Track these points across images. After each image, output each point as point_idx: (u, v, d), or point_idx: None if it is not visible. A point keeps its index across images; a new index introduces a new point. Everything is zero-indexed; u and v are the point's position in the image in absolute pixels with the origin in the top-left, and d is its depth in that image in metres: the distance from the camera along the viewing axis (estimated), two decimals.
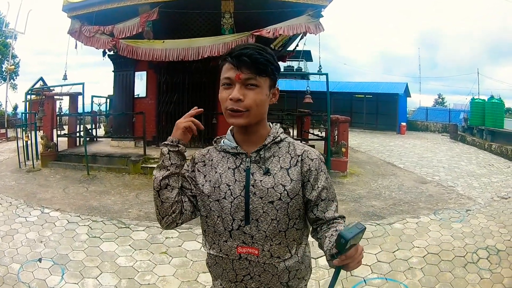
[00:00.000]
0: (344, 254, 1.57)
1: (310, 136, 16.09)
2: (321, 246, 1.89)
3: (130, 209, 8.46)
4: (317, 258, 5.52)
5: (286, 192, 1.84)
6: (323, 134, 14.46)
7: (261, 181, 1.85)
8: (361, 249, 1.62)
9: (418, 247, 6.48)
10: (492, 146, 19.41)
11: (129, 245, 6.45)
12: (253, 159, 1.90)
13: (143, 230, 7.09)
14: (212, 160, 2.00)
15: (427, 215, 8.17)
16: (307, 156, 1.92)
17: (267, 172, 1.86)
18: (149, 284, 5.21)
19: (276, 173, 1.87)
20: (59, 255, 5.99)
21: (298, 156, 1.92)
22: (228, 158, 1.94)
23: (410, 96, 36.65)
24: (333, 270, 1.71)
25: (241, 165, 1.90)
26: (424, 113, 36.47)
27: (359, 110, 32.44)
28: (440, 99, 71.02)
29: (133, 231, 7.08)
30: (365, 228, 1.60)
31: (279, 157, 1.91)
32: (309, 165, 1.91)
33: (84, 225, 7.33)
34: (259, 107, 1.83)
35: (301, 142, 2.19)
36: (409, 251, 6.31)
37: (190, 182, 2.01)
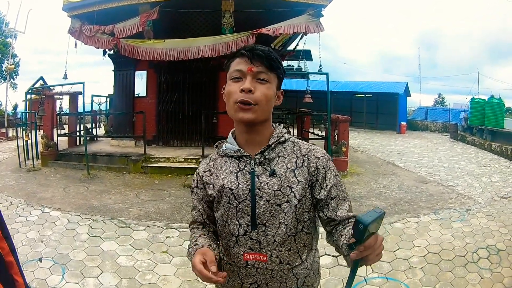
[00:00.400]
0: (362, 244, 1.41)
1: (311, 136, 16.08)
2: (338, 248, 1.77)
3: (131, 208, 8.46)
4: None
5: (293, 194, 1.77)
6: (323, 133, 14.46)
7: (267, 183, 1.78)
8: (381, 238, 1.47)
9: (418, 246, 6.48)
10: (492, 146, 19.40)
11: (130, 244, 6.46)
12: (258, 161, 1.83)
13: (144, 230, 7.10)
14: (216, 167, 1.94)
15: (427, 215, 8.17)
16: (313, 155, 1.86)
17: (273, 174, 1.79)
18: (150, 283, 5.21)
19: (282, 174, 1.79)
20: (59, 254, 5.99)
21: (304, 155, 1.85)
22: (231, 162, 1.88)
23: (410, 96, 36.70)
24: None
25: (245, 168, 1.83)
26: (424, 113, 36.45)
27: (359, 109, 32.42)
28: (440, 99, 71.02)
29: (133, 230, 7.09)
30: (384, 212, 1.45)
31: (285, 158, 1.84)
32: (316, 163, 1.83)
33: (85, 225, 7.33)
34: (268, 102, 1.79)
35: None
36: (409, 250, 6.32)
37: (209, 210, 2.00)
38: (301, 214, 1.80)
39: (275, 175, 1.79)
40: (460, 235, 7.02)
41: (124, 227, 7.25)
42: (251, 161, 1.83)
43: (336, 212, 1.81)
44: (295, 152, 1.87)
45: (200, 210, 2.02)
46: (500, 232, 7.21)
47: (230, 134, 1.97)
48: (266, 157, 1.83)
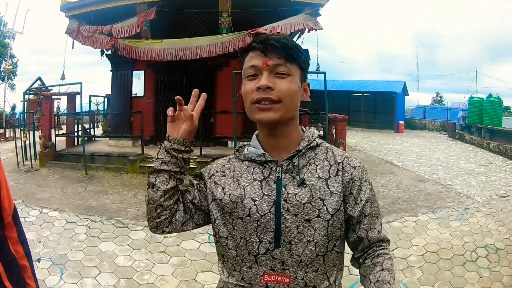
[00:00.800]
0: None
1: None
2: (363, 283, 1.60)
3: (129, 208, 8.45)
4: None
5: (325, 207, 1.52)
6: (321, 132, 14.45)
7: (295, 194, 1.51)
8: None
9: (416, 245, 6.49)
10: (490, 145, 19.42)
11: (128, 244, 6.45)
12: (285, 168, 1.56)
13: (142, 230, 7.08)
14: (234, 170, 1.65)
15: (425, 214, 8.18)
16: (349, 164, 1.61)
17: (302, 183, 1.53)
18: (147, 283, 5.21)
19: (313, 184, 1.54)
20: (57, 255, 5.99)
21: (339, 163, 1.60)
22: (254, 168, 1.61)
23: (408, 95, 36.73)
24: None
25: (270, 176, 1.56)
26: (422, 112, 36.55)
27: (357, 108, 32.54)
28: (438, 98, 71.05)
29: (131, 230, 7.08)
30: None
31: (316, 165, 1.59)
32: (351, 174, 1.59)
33: (83, 225, 7.32)
34: (292, 99, 1.53)
35: None
36: (407, 249, 6.32)
37: (197, 193, 1.68)
38: (333, 232, 1.55)
39: (304, 185, 1.53)
40: (458, 234, 7.03)
41: (122, 227, 7.24)
42: (278, 168, 1.57)
43: (367, 232, 1.61)
44: (328, 159, 1.62)
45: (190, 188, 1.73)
46: (499, 231, 7.22)
47: (254, 136, 1.70)
48: (295, 163, 1.57)
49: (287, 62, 1.52)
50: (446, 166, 14.34)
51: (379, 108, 32.44)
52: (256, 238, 1.52)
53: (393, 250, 6.25)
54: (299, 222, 1.50)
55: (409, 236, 6.89)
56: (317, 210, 1.50)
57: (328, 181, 1.55)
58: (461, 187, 10.82)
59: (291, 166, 1.56)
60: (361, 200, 1.59)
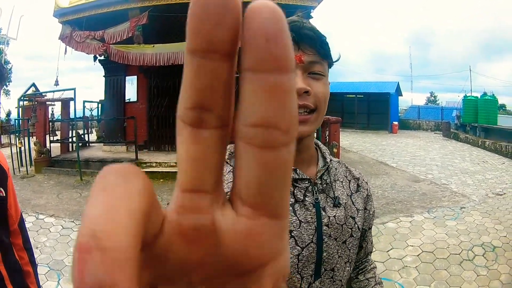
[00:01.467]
0: None
1: None
2: None
3: None
4: None
5: (356, 225, 1.38)
6: (314, 135, 14.46)
7: (334, 216, 1.31)
8: None
9: (412, 246, 6.49)
10: (485, 143, 19.45)
11: None
12: (319, 186, 1.33)
13: None
14: None
15: (420, 214, 8.18)
16: (363, 180, 1.52)
17: (338, 203, 1.34)
18: None
19: (345, 202, 1.37)
20: (54, 260, 5.98)
21: (356, 179, 1.50)
22: None
23: (401, 95, 36.80)
24: None
25: (306, 198, 1.28)
26: (416, 112, 36.64)
27: (350, 110, 32.53)
28: (432, 97, 71.35)
29: None
30: None
31: (341, 181, 1.42)
32: (367, 190, 1.51)
33: (78, 231, 7.31)
34: (326, 105, 1.27)
35: None
36: (403, 250, 6.32)
37: None
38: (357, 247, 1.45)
39: (339, 205, 1.34)
40: (454, 233, 7.03)
41: None
42: (314, 188, 1.31)
43: (367, 243, 1.56)
44: (345, 175, 1.47)
45: None
46: (496, 229, 7.22)
47: None
48: (327, 181, 1.36)
49: (321, 59, 1.24)
50: (441, 166, 14.37)
51: (372, 109, 32.49)
52: (298, 276, 1.25)
53: (388, 251, 6.26)
54: (338, 246, 1.31)
55: (405, 237, 6.89)
56: (350, 230, 1.36)
57: (352, 197, 1.42)
58: (457, 186, 10.85)
59: (324, 185, 1.34)
60: (370, 215, 1.53)
